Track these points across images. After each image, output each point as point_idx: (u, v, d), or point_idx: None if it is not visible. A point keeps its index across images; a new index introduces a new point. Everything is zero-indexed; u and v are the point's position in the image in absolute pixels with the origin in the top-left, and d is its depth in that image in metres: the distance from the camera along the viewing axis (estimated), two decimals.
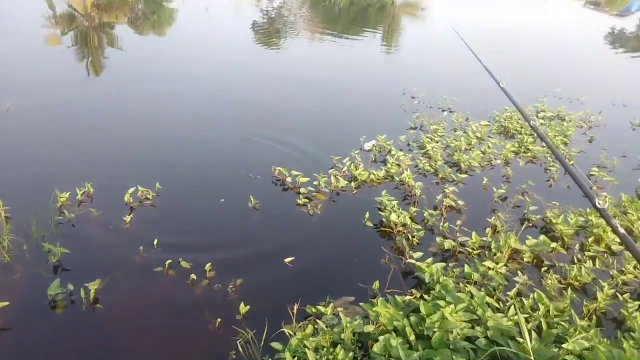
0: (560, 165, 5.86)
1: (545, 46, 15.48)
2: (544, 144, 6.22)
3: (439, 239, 4.01)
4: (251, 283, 3.39)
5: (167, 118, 6.31)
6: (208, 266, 3.39)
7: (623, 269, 3.87)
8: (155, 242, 3.65)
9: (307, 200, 4.49)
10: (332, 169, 5.11)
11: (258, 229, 4.12)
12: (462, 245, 4.00)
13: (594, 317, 3.34)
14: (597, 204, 1.82)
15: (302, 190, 4.63)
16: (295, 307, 2.99)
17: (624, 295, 3.53)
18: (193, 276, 3.32)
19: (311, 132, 6.33)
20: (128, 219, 3.91)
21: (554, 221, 4.40)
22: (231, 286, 3.29)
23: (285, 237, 4.09)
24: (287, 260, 3.67)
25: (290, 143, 5.89)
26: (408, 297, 3.26)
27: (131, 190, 4.17)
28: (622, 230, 1.68)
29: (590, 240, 4.27)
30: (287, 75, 8.91)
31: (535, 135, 6.53)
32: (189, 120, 6.30)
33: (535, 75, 10.67)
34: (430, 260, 3.56)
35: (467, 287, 3.29)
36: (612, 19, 27.45)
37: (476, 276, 3.50)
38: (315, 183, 4.72)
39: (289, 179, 4.73)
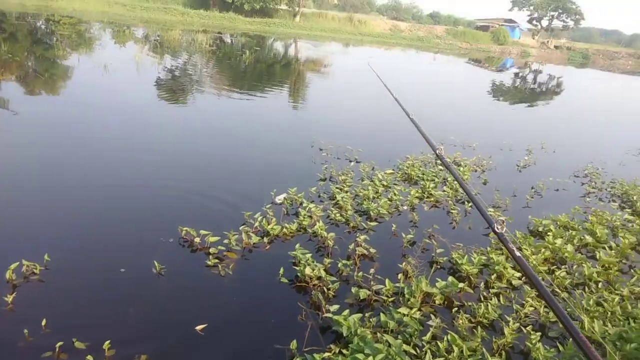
0: (460, 206, 6.25)
1: (435, 98, 16.91)
2: (444, 189, 6.64)
3: (354, 289, 4.00)
4: (157, 357, 3.10)
5: (61, 180, 5.82)
6: (106, 344, 3.05)
7: (524, 302, 4.13)
8: (43, 322, 3.22)
9: (217, 261, 4.29)
10: (243, 225, 4.98)
11: (164, 297, 3.82)
12: (377, 293, 4.03)
13: (503, 352, 3.48)
14: (496, 229, 1.92)
15: (212, 250, 4.43)
16: None
17: (527, 328, 3.74)
18: (89, 358, 2.96)
19: (221, 188, 6.17)
20: (10, 298, 3.44)
21: (459, 261, 4.61)
22: None
23: (194, 302, 3.83)
24: (198, 327, 3.43)
25: (199, 201, 5.70)
26: (327, 354, 3.17)
27: (13, 266, 3.70)
28: (517, 254, 1.78)
29: (493, 277, 4.52)
30: (194, 131, 8.75)
31: (437, 180, 6.97)
32: (84, 182, 5.86)
33: (430, 125, 11.53)
34: (346, 312, 3.52)
35: (384, 336, 3.28)
36: (492, 73, 30.91)
37: (392, 324, 3.51)
38: (226, 241, 4.55)
39: (197, 239, 4.52)
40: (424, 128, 3.46)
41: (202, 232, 4.55)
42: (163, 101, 11.06)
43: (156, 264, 4.05)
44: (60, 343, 3.02)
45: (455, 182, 7.00)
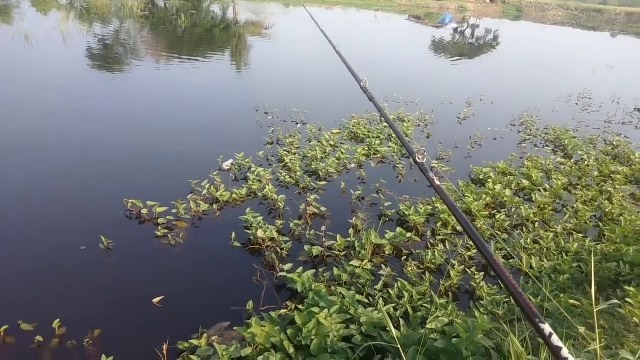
0: (406, 161, 6.42)
1: (379, 55, 16.97)
2: (390, 145, 6.77)
3: (306, 247, 4.08)
4: (112, 332, 3.06)
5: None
6: (56, 322, 2.96)
7: (468, 245, 4.36)
8: None
9: (166, 231, 4.22)
10: (191, 193, 4.89)
11: (114, 271, 3.74)
12: (329, 249, 4.12)
13: (450, 294, 3.70)
14: (417, 159, 1.99)
15: (161, 220, 4.35)
16: (164, 347, 2.77)
17: (471, 269, 3.97)
18: (39, 338, 2.87)
19: (165, 158, 6.00)
20: None
21: (407, 213, 4.78)
22: (87, 339, 2.91)
23: (146, 274, 3.78)
24: (156, 300, 3.39)
25: (143, 172, 5.54)
26: (283, 311, 3.24)
27: None
28: (437, 182, 1.86)
29: (438, 225, 4.72)
30: (133, 101, 8.37)
31: (383, 137, 7.08)
32: (24, 159, 5.52)
33: (373, 83, 11.60)
34: (300, 269, 3.60)
35: (337, 289, 3.39)
36: (431, 29, 31.26)
37: (345, 277, 3.63)
38: (174, 210, 4.47)
39: (144, 211, 4.41)
40: (349, 61, 3.49)
41: (149, 203, 4.44)
42: (96, 72, 10.43)
43: (103, 238, 3.93)
44: (5, 327, 2.92)
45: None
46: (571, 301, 3.18)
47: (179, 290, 3.58)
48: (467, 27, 36.09)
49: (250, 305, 3.30)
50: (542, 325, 1.21)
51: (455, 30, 32.94)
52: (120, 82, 9.83)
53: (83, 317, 3.17)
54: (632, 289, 3.12)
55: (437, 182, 1.85)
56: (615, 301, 2.48)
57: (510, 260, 4.17)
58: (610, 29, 49.19)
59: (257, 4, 35.63)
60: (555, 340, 1.16)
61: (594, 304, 2.31)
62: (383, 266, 3.89)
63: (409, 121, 8.14)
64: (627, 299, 3.01)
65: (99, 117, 7.25)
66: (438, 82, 13.42)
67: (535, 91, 13.07)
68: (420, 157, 1.99)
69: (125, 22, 18.70)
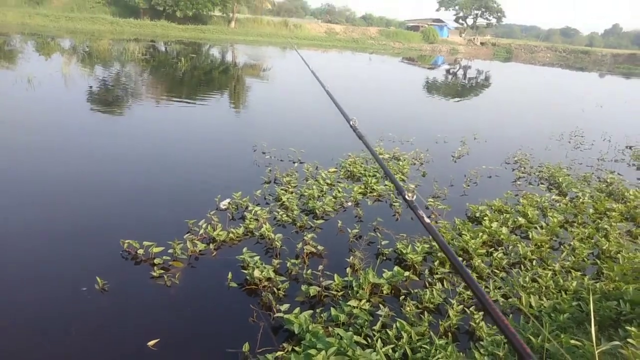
0: (402, 199, 6.44)
1: (374, 95, 17.33)
2: (385, 183, 6.82)
3: (303, 287, 4.04)
4: None
5: None
6: None
7: (466, 284, 4.32)
8: None
9: (162, 271, 4.18)
10: (187, 233, 4.88)
11: (109, 314, 3.67)
12: (327, 288, 4.08)
13: (450, 334, 3.64)
14: (407, 197, 2.01)
15: (157, 260, 4.32)
16: None
17: (470, 308, 3.92)
18: None
19: (163, 197, 6.02)
20: None
21: (404, 251, 4.77)
22: None
23: (142, 315, 3.71)
24: (150, 343, 3.32)
25: (140, 212, 5.54)
26: (280, 353, 3.18)
27: None
28: (427, 220, 1.87)
29: (436, 263, 4.70)
30: (132, 142, 8.44)
31: (379, 175, 7.14)
32: (20, 198, 5.51)
33: (369, 122, 11.81)
34: (297, 310, 3.55)
35: (335, 330, 3.34)
36: (425, 70, 32.08)
37: (343, 317, 3.58)
38: (170, 251, 4.44)
39: (140, 251, 4.38)
40: (339, 101, 3.57)
41: (146, 243, 4.41)
42: (96, 113, 10.58)
43: (98, 279, 3.89)
44: None
45: (397, 176, 7.22)
46: (572, 341, 3.14)
47: (174, 332, 3.52)
48: (459, 69, 37.05)
49: (246, 347, 3.24)
50: None
51: (448, 71, 33.81)
52: (119, 123, 9.96)
53: None
54: (633, 329, 3.09)
55: (427, 220, 1.87)
56: (617, 342, 2.45)
57: (509, 299, 4.12)
58: (598, 69, 50.60)
59: (255, 48, 36.61)
60: None
61: (594, 345, 2.28)
62: (381, 306, 3.84)
63: (404, 160, 8.24)
64: (629, 340, 2.97)
65: (97, 157, 7.30)
66: (432, 122, 13.66)
67: (528, 129, 13.31)
68: (410, 194, 2.02)
69: (126, 65, 19.12)
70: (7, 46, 21.48)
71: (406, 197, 2.00)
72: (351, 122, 3.01)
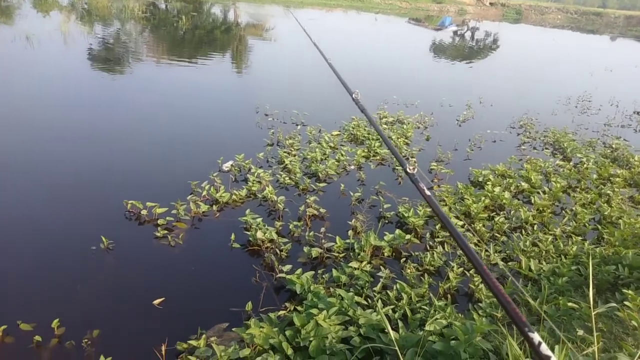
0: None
1: (379, 58, 17.00)
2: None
3: (306, 249, 4.08)
4: (111, 332, 3.06)
5: None
6: (55, 322, 2.97)
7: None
8: None
9: (166, 232, 4.22)
10: (190, 194, 4.90)
11: (114, 272, 3.74)
12: (328, 250, 4.13)
13: (449, 296, 3.70)
14: (408, 169, 2.01)
15: (160, 221, 4.36)
16: (163, 348, 2.77)
17: (470, 271, 3.97)
18: (37, 338, 2.88)
19: (166, 158, 6.02)
20: None
21: (406, 215, 4.79)
22: (86, 340, 2.92)
23: (146, 274, 3.78)
24: (156, 302, 3.38)
25: (143, 173, 5.55)
26: (282, 312, 3.25)
27: None
28: (427, 192, 1.88)
29: (437, 227, 4.73)
30: (134, 103, 8.37)
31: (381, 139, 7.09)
32: (20, 159, 5.52)
33: (374, 85, 11.64)
34: (299, 271, 3.60)
35: (336, 290, 3.39)
36: (431, 32, 31.33)
37: (344, 278, 3.63)
38: (174, 211, 4.47)
39: (144, 212, 4.41)
40: (341, 73, 3.52)
41: (149, 203, 4.44)
42: (97, 73, 10.44)
43: (103, 239, 3.94)
44: (3, 327, 2.91)
45: (400, 139, 7.17)
46: (569, 304, 3.18)
47: (178, 291, 3.58)
48: (467, 30, 36.16)
49: (249, 306, 3.31)
50: (531, 334, 1.23)
51: (455, 33, 33.00)
52: (120, 84, 9.83)
53: (82, 318, 3.17)
54: (630, 292, 3.13)
55: (427, 192, 1.87)
56: (614, 304, 2.48)
57: (509, 263, 4.17)
58: (610, 32, 49.30)
59: (257, 6, 35.71)
60: (544, 349, 1.18)
61: (592, 307, 2.31)
62: (382, 268, 3.90)
63: (408, 123, 8.16)
64: (626, 302, 3.01)
65: (99, 118, 7.25)
66: (438, 85, 13.44)
67: (535, 94, 13.10)
68: (411, 167, 2.01)
69: (126, 23, 18.72)
70: (4, 2, 21.00)
71: (407, 169, 1.99)
72: (354, 95, 2.96)
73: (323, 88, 11.16)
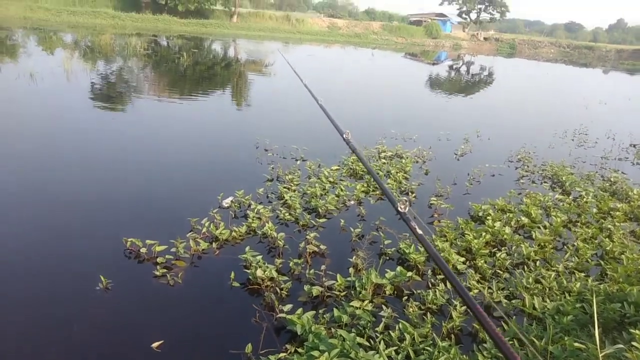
0: (405, 197, 6.43)
1: (376, 92, 17.27)
2: (388, 181, 6.80)
3: (306, 287, 4.03)
4: None
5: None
6: None
7: (469, 285, 4.31)
8: None
9: (165, 270, 4.17)
10: (190, 231, 4.87)
11: (113, 313, 3.67)
12: (329, 288, 4.07)
13: (453, 336, 3.63)
14: (399, 208, 2.01)
15: (160, 259, 4.31)
16: None
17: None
18: None
19: (165, 195, 6.01)
20: None
21: (407, 251, 4.75)
22: None
23: (144, 315, 3.71)
24: (155, 344, 3.31)
25: (143, 210, 5.53)
26: (282, 354, 3.18)
27: None
28: (419, 232, 1.87)
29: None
30: (134, 139, 8.44)
31: (381, 173, 7.12)
32: (21, 192, 5.51)
33: (371, 119, 11.79)
34: (300, 310, 3.55)
35: (338, 331, 3.33)
36: (428, 66, 31.96)
37: (345, 318, 3.57)
38: (173, 249, 4.44)
39: (143, 250, 4.37)
40: (332, 114, 3.57)
41: (148, 241, 4.41)
42: (99, 109, 10.55)
43: (102, 278, 3.89)
44: None
45: (399, 174, 7.20)
46: (576, 344, 3.12)
47: (176, 333, 3.52)
48: (462, 64, 36.90)
49: (248, 348, 3.24)
50: None
51: (451, 67, 33.66)
52: (120, 120, 9.94)
53: (78, 359, 3.09)
54: (638, 332, 3.07)
55: (419, 232, 1.87)
56: (621, 345, 2.44)
57: (513, 301, 4.11)
58: (602, 65, 50.35)
59: (257, 42, 36.50)
60: None
61: (599, 348, 2.27)
62: (384, 307, 3.84)
63: (407, 157, 8.21)
64: (634, 343, 2.95)
65: (98, 154, 7.30)
66: (435, 119, 13.60)
67: (532, 127, 13.25)
68: (402, 206, 2.01)
69: (128, 60, 19.09)
70: (10, 40, 21.48)
71: (399, 208, 2.00)
72: (344, 135, 3.00)
73: (321, 123, 11.27)
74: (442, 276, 4.47)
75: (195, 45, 28.55)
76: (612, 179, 8.09)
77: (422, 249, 4.77)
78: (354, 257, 4.60)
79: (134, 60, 19.08)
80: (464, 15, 71.39)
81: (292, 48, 35.45)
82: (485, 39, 66.14)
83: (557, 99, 21.14)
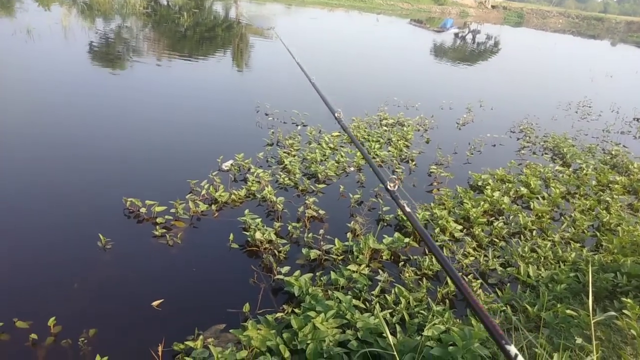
0: (405, 165, 6.42)
1: (380, 59, 16.99)
2: (389, 149, 6.77)
3: (304, 250, 4.07)
4: (107, 332, 3.05)
5: None
6: (51, 320, 2.95)
7: (465, 252, 4.36)
8: None
9: (164, 230, 4.21)
10: (189, 193, 4.88)
11: (112, 271, 3.71)
12: (327, 252, 4.12)
13: (447, 301, 3.69)
14: (388, 187, 2.02)
15: (159, 219, 4.34)
16: (160, 348, 2.76)
17: (469, 276, 3.97)
18: (33, 336, 2.86)
19: (165, 157, 5.99)
20: None
21: (405, 218, 4.77)
22: (82, 338, 2.90)
23: (143, 273, 3.76)
24: (155, 303, 3.36)
25: (143, 171, 5.53)
26: (279, 314, 3.24)
27: None
28: (407, 209, 1.90)
29: (436, 230, 4.72)
30: (134, 100, 8.35)
31: (382, 141, 7.09)
32: (19, 154, 5.50)
33: (374, 86, 11.64)
34: (297, 272, 3.59)
35: (334, 293, 3.38)
36: (432, 34, 31.32)
37: (342, 281, 3.62)
38: (173, 210, 4.46)
39: (143, 210, 4.39)
40: (324, 92, 3.55)
41: (148, 202, 4.43)
42: (96, 69, 10.39)
43: (101, 236, 3.92)
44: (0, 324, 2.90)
45: (400, 142, 7.17)
46: (568, 311, 3.18)
47: (175, 291, 3.57)
48: (468, 33, 36.18)
49: (246, 307, 3.29)
50: (507, 347, 1.28)
51: (457, 35, 33.02)
52: (120, 80, 9.80)
53: (79, 316, 3.15)
54: (629, 300, 3.12)
55: (408, 209, 1.89)
56: (613, 313, 2.48)
57: (508, 269, 4.16)
58: (610, 38, 49.39)
59: (259, 5, 35.64)
60: None
61: (591, 315, 2.30)
62: (380, 271, 3.89)
63: (408, 125, 8.15)
64: (624, 311, 3.01)
65: (99, 115, 7.23)
66: (438, 87, 13.45)
67: (535, 98, 13.11)
68: (392, 185, 2.02)
69: (127, 19, 18.67)
70: None
71: (388, 187, 2.01)
72: (336, 114, 2.98)
73: (322, 88, 11.14)
74: (438, 243, 4.51)
75: (195, 5, 27.86)
76: (613, 152, 8.06)
77: (420, 216, 4.80)
78: (352, 223, 4.62)
79: (132, 19, 18.66)
80: None
81: (295, 11, 34.65)
82: (492, 6, 64.58)
83: (563, 70, 20.84)
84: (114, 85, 9.19)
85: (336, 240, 4.17)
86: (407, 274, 3.88)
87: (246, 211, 4.45)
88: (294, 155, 6.27)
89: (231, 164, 5.73)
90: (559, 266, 4.22)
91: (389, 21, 36.80)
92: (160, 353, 2.77)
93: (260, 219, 4.36)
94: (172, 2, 28.12)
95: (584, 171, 6.87)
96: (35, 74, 9.07)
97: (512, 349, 1.26)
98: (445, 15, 54.03)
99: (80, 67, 10.10)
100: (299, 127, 7.44)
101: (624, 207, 5.89)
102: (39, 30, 12.56)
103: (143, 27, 17.58)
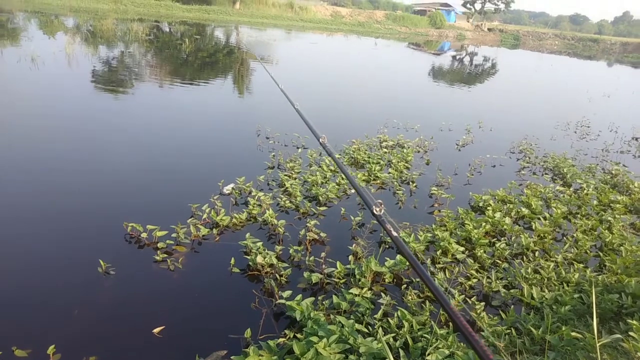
0: (406, 187, 6.43)
1: (379, 83, 17.19)
2: (389, 171, 6.80)
3: (306, 274, 4.05)
4: (108, 359, 3.01)
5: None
6: (51, 348, 2.91)
7: (468, 274, 4.33)
8: None
9: (166, 255, 4.19)
10: (191, 217, 4.88)
11: (112, 297, 3.69)
12: (329, 276, 4.09)
13: (450, 324, 3.64)
14: (374, 211, 2.04)
15: (160, 244, 4.33)
16: None
17: (472, 298, 3.94)
18: None
19: (166, 181, 6.01)
20: None
21: (407, 240, 4.76)
22: None
23: (144, 299, 3.73)
24: (156, 330, 3.33)
25: (144, 195, 5.54)
26: (281, 340, 3.20)
27: None
28: (394, 234, 1.91)
29: (438, 253, 4.70)
30: (136, 125, 8.42)
31: (382, 163, 7.12)
32: (25, 179, 5.52)
33: (373, 108, 11.74)
34: (299, 297, 3.57)
35: (336, 317, 3.35)
36: (431, 56, 31.76)
37: (344, 305, 3.59)
38: (174, 235, 4.45)
39: (144, 235, 4.39)
40: (308, 117, 3.60)
41: (149, 226, 4.42)
42: (99, 94, 10.51)
43: (102, 262, 3.91)
44: None
45: (400, 164, 7.20)
46: (573, 334, 3.14)
47: (176, 317, 3.54)
48: (466, 55, 36.66)
49: (248, 333, 3.26)
50: None
51: (454, 57, 33.46)
52: (122, 105, 9.90)
53: (79, 343, 3.12)
54: (635, 322, 3.09)
55: (394, 234, 1.90)
56: (618, 335, 2.46)
57: (511, 290, 4.13)
58: (606, 59, 50.01)
59: (259, 30, 36.24)
60: None
61: (596, 338, 2.28)
62: (383, 294, 3.86)
63: (408, 147, 8.20)
64: (630, 333, 2.97)
65: (100, 140, 7.28)
66: (437, 109, 13.56)
67: (534, 119, 13.21)
68: (377, 209, 2.04)
69: (130, 45, 18.98)
70: (11, 24, 21.33)
71: (374, 211, 2.04)
72: (320, 140, 3.02)
73: (322, 110, 11.25)
74: (441, 265, 4.50)
75: (197, 31, 28.36)
76: (613, 172, 8.08)
77: (422, 238, 4.78)
78: (353, 245, 4.61)
79: (135, 46, 18.97)
80: (468, 6, 70.72)
81: (295, 36, 35.22)
82: (489, 29, 65.67)
83: (561, 91, 21.04)
84: (115, 111, 9.28)
85: (338, 263, 4.15)
86: (410, 297, 3.86)
87: (247, 235, 4.44)
88: (295, 178, 6.29)
89: (232, 188, 5.75)
90: (563, 287, 4.18)
91: (387, 45, 37.37)
92: None
93: (261, 243, 4.35)
94: (174, 29, 28.61)
95: (585, 191, 6.88)
96: (38, 100, 9.17)
97: None
98: (442, 38, 54.84)
99: (82, 93, 10.22)
100: (300, 150, 7.48)
101: (626, 226, 5.88)
102: (43, 57, 12.77)
103: (145, 53, 17.85)
